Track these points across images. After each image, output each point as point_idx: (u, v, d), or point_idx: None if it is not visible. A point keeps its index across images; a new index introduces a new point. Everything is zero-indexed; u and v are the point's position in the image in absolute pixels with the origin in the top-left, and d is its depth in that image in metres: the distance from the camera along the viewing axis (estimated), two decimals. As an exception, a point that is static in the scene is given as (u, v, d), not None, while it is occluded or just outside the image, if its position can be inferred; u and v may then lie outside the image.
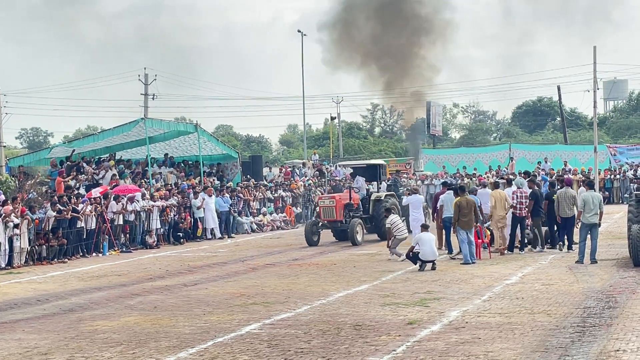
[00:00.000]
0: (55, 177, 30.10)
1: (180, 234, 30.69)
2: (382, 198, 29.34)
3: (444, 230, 23.85)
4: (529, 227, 24.72)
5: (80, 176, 30.98)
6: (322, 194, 42.16)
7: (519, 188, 23.80)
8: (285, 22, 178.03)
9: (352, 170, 34.45)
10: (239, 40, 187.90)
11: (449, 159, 56.88)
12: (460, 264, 20.78)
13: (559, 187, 24.10)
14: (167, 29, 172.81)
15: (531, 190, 23.90)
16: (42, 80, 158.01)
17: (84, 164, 32.17)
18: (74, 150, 33.17)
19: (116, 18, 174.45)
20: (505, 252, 22.74)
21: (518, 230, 23.19)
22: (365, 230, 28.59)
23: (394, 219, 22.96)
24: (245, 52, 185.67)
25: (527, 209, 22.96)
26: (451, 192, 23.55)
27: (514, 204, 22.88)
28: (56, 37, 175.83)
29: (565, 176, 35.00)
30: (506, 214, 22.89)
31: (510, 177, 33.50)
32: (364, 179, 31.41)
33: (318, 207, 30.12)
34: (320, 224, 29.12)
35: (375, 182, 32.02)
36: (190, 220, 31.58)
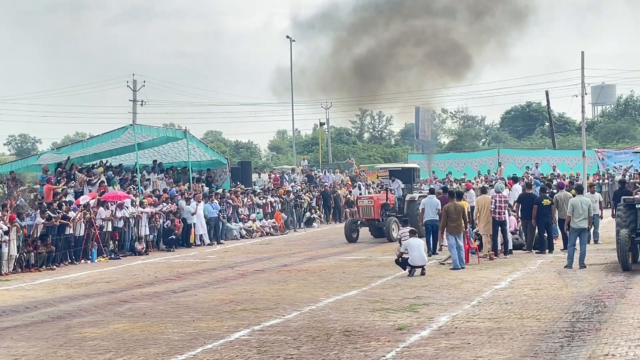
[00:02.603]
0: (45, 182, 29.98)
1: (173, 237, 30.56)
2: (416, 199, 30.50)
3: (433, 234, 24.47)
4: (517, 232, 25.06)
5: (70, 182, 30.87)
6: (310, 199, 42.23)
7: (497, 193, 23.94)
8: (275, 28, 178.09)
9: (388, 173, 36.18)
10: (229, 46, 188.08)
11: (437, 164, 56.93)
12: (450, 269, 20.81)
13: (555, 191, 24.56)
14: (157, 35, 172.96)
15: (526, 193, 24.51)
16: (30, 86, 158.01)
17: (77, 172, 32.04)
18: (69, 157, 33.20)
19: (106, 24, 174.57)
20: (494, 257, 22.87)
21: (505, 235, 23.51)
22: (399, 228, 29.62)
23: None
24: (235, 58, 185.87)
25: (505, 213, 23.24)
26: (433, 196, 24.71)
27: (492, 209, 23.06)
28: (44, 43, 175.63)
29: (559, 180, 35.30)
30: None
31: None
32: (401, 180, 33.15)
33: (356, 206, 33.10)
34: (359, 221, 31.66)
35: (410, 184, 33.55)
36: (181, 227, 31.46)
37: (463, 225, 21.49)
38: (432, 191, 26.39)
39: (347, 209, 44.80)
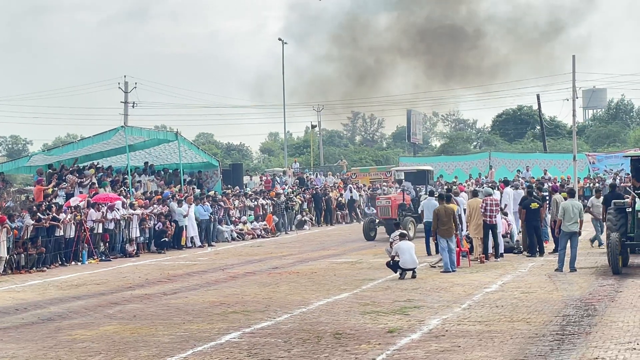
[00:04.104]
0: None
1: (165, 240, 30.49)
2: None
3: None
4: (508, 236, 25.12)
5: (62, 184, 30.80)
6: (301, 202, 42.22)
7: (488, 196, 23.97)
8: (269, 30, 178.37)
9: (403, 175, 37.49)
10: (221, 48, 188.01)
11: (428, 167, 56.92)
12: (440, 272, 20.82)
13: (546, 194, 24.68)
14: (150, 36, 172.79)
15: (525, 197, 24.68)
16: (21, 87, 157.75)
17: (69, 174, 31.96)
18: (77, 159, 33.28)
19: (99, 26, 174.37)
20: (485, 260, 22.90)
21: (496, 238, 23.57)
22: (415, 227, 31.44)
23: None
24: (227, 60, 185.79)
25: (495, 217, 23.27)
26: (432, 198, 24.91)
27: (482, 212, 23.09)
28: (36, 44, 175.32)
29: (552, 184, 35.47)
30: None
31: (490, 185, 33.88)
32: (410, 182, 34.75)
33: (375, 206, 34.81)
34: (377, 221, 33.09)
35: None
36: (172, 229, 31.38)
37: (454, 228, 21.50)
38: (431, 193, 26.76)
39: (338, 212, 44.82)
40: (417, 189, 34.18)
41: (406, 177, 36.11)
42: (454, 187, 41.22)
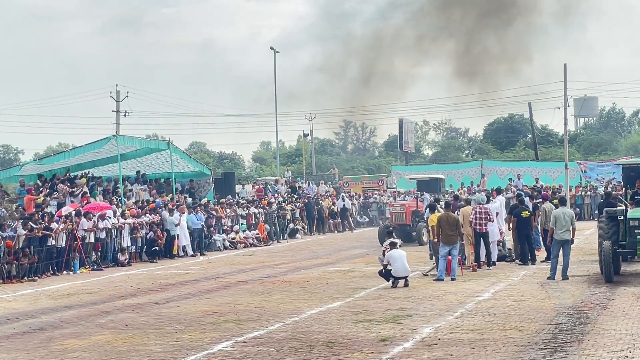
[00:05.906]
0: (24, 195, 29.79)
1: (157, 249, 30.42)
2: None
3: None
4: (500, 244, 25.11)
5: (53, 194, 30.72)
6: (293, 209, 42.19)
7: (479, 204, 23.98)
8: (263, 39, 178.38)
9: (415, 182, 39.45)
10: (214, 57, 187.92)
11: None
12: (433, 280, 20.81)
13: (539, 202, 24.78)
14: (144, 45, 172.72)
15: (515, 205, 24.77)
16: (13, 96, 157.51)
17: (60, 184, 31.86)
18: (69, 169, 33.21)
19: (92, 34, 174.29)
20: (477, 268, 22.91)
21: (488, 247, 23.59)
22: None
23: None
24: (220, 68, 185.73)
25: (485, 225, 23.25)
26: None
27: (471, 220, 23.09)
28: (27, 52, 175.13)
29: (543, 192, 35.59)
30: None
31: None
32: (427, 191, 36.60)
33: (389, 212, 36.13)
34: (391, 226, 33.12)
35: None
36: (164, 238, 31.31)
37: (457, 235, 21.42)
38: (436, 200, 27.48)
39: (330, 221, 44.80)
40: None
41: (418, 184, 37.61)
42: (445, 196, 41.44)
